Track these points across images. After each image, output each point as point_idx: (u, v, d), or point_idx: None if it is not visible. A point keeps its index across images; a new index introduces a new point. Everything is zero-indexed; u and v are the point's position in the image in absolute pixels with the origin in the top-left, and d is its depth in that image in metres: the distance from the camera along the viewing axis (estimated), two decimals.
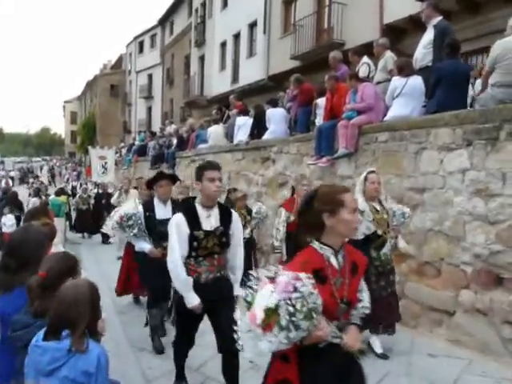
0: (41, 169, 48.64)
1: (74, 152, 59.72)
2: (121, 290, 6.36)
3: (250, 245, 6.39)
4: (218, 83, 21.96)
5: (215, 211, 3.34)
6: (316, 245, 2.11)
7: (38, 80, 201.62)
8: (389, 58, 6.85)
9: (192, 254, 3.27)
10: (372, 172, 4.39)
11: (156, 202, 4.74)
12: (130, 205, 5.11)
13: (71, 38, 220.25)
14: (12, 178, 37.35)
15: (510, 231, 4.27)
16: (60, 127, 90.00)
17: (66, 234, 11.89)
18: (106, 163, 14.33)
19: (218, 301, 3.27)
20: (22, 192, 23.93)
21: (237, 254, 3.50)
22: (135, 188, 9.47)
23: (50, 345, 2.01)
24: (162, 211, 4.67)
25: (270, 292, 1.83)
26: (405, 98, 5.81)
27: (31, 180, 31.85)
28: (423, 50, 6.19)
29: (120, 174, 19.50)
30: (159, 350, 4.67)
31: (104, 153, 14.64)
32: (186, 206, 3.42)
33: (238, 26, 19.99)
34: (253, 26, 18.87)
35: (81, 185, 16.62)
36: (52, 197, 12.85)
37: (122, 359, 4.32)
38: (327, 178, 6.88)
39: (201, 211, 3.29)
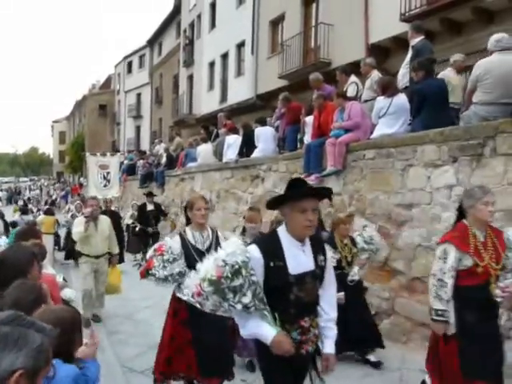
0: (29, 189, 48.23)
1: (62, 172, 59.41)
2: (159, 375, 3.84)
3: (360, 292, 4.91)
4: (206, 102, 22.12)
5: None
6: None
7: (26, 100, 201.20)
8: (376, 77, 7.00)
9: None
10: None
11: (285, 239, 2.48)
12: (233, 245, 2.45)
13: (59, 58, 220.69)
14: None
15: None
16: (48, 147, 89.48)
17: (54, 254, 11.75)
18: (108, 173, 11.44)
19: None
20: (9, 212, 23.66)
21: None
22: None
23: None
24: (298, 257, 2.47)
25: None
26: (390, 117, 5.91)
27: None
28: (403, 70, 6.37)
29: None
30: None
31: (106, 160, 11.75)
32: None
33: (226, 46, 20.24)
34: (241, 46, 19.14)
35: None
36: (42, 216, 12.67)
37: (111, 380, 4.26)
38: None
39: None
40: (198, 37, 23.86)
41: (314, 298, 2.54)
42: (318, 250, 2.57)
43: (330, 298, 2.65)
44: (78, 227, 6.47)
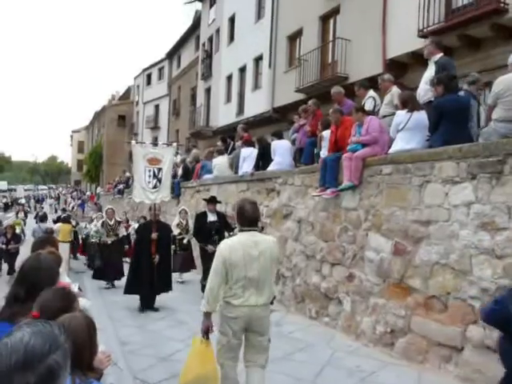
0: (51, 197, 48.93)
1: (79, 180, 60.45)
2: None
3: None
4: (223, 115, 22.29)
5: None
6: None
7: (46, 110, 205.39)
8: (395, 92, 6.97)
9: None
10: None
11: None
12: None
13: (81, 70, 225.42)
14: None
15: None
16: (67, 156, 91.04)
17: (69, 262, 11.87)
18: (159, 170, 8.36)
19: None
20: (30, 220, 24.26)
21: None
22: None
23: None
24: None
25: None
26: (408, 132, 5.86)
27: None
28: (425, 86, 6.32)
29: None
30: None
31: (157, 153, 8.49)
32: None
33: (243, 60, 20.43)
34: (258, 59, 19.29)
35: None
36: (58, 224, 12.82)
37: None
38: (331, 209, 6.89)
39: None
40: (216, 50, 24.15)
41: None
42: None
43: None
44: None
